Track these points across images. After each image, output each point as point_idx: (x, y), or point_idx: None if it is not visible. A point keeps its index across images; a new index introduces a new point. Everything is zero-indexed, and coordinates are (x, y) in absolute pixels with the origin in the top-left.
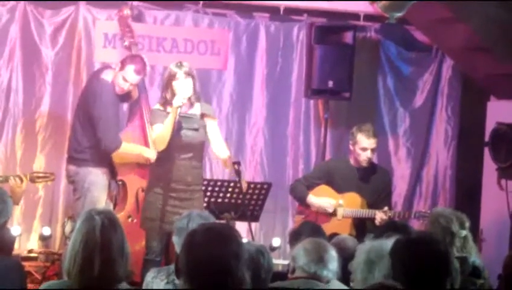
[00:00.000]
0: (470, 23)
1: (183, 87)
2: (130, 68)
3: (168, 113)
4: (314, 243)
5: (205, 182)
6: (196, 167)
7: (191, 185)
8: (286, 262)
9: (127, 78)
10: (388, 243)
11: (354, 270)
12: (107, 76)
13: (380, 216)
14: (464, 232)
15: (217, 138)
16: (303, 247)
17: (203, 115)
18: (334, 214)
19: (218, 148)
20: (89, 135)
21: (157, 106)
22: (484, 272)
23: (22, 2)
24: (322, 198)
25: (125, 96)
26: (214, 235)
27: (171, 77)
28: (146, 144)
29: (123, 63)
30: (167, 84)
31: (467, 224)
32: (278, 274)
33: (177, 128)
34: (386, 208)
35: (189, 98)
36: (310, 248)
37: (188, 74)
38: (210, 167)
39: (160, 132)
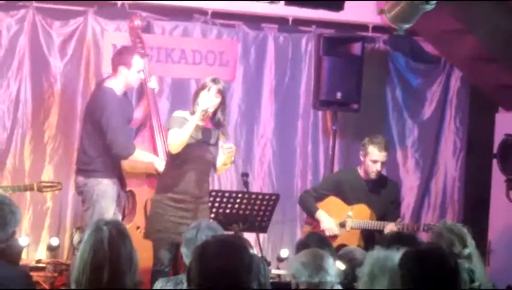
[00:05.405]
0: (478, 34)
1: (208, 99)
2: (136, 59)
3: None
4: (309, 254)
5: (213, 193)
6: (205, 180)
7: (198, 197)
8: None
9: (139, 67)
10: (395, 256)
11: (359, 278)
12: (109, 84)
13: (389, 228)
14: (467, 251)
15: (220, 155)
16: (300, 262)
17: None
18: (342, 225)
19: (219, 163)
20: (96, 145)
21: (180, 113)
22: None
23: (31, 11)
24: (329, 219)
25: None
26: (227, 247)
27: (203, 86)
28: (155, 154)
29: (126, 61)
30: (196, 93)
31: (469, 240)
32: (287, 285)
33: (194, 140)
34: (399, 220)
35: (215, 117)
36: (306, 260)
37: (219, 91)
38: (218, 177)
39: (178, 135)
